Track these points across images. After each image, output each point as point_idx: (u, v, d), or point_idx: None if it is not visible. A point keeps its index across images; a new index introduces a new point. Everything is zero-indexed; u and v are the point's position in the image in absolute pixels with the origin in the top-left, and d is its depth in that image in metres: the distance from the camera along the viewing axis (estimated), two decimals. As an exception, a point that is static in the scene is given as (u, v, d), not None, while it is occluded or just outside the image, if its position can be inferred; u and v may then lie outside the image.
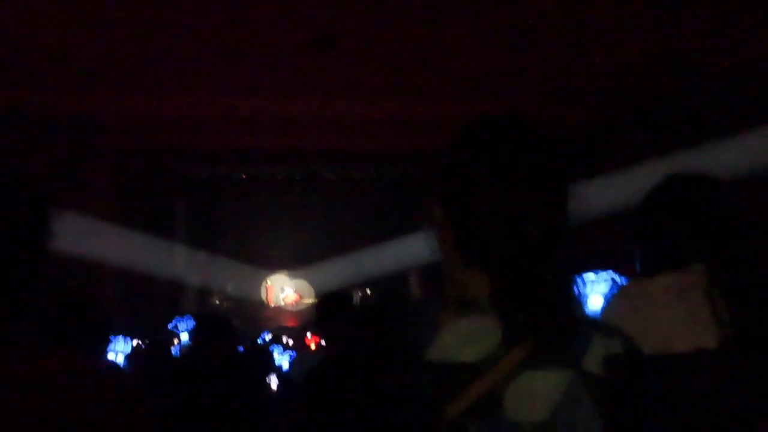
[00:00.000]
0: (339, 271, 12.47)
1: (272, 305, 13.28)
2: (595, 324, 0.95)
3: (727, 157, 5.00)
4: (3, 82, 6.75)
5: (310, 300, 12.55)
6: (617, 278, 4.35)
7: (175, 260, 12.09)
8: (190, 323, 6.51)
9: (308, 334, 7.09)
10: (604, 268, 4.45)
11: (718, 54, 5.81)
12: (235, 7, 5.12)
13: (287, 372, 5.18)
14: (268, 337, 8.35)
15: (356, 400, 0.95)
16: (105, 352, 2.20)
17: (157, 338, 5.89)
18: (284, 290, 13.34)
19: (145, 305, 9.86)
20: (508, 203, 0.90)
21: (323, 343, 3.82)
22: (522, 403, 0.85)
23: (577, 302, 0.98)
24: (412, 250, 10.45)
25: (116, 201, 10.03)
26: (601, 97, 7.31)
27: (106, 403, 0.92)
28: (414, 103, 7.85)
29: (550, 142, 0.95)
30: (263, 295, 13.38)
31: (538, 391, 0.86)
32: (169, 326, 7.08)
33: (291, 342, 7.38)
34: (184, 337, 6.53)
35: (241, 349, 5.34)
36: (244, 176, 13.26)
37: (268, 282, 13.44)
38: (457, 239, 0.95)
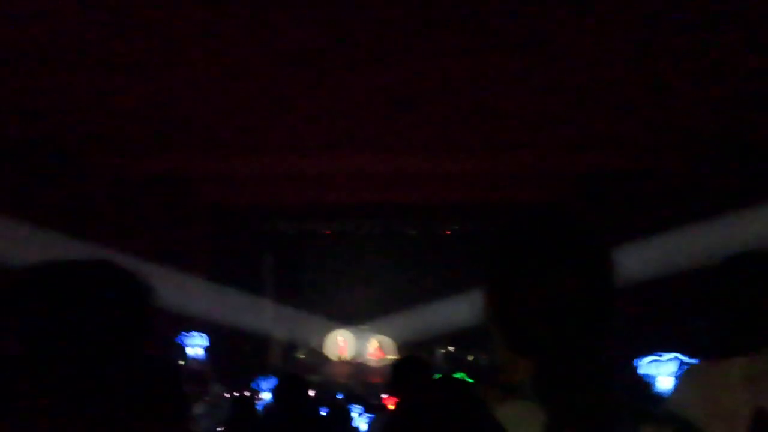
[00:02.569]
0: (421, 326, 12.38)
1: (354, 361, 13.29)
2: (646, 410, 0.95)
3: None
4: (105, 147, 7.28)
5: (391, 356, 12.50)
6: (685, 359, 4.15)
7: (261, 316, 12.37)
8: (273, 382, 6.63)
9: (384, 395, 7.07)
10: (671, 349, 4.26)
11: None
12: (321, 72, 5.38)
13: (366, 433, 5.18)
14: (348, 394, 8.37)
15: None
16: (184, 419, 2.30)
17: (243, 394, 6.03)
18: (367, 346, 13.35)
19: (232, 361, 10.09)
20: (551, 295, 0.93)
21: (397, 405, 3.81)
22: None
23: (631, 387, 0.99)
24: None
25: (205, 256, 10.46)
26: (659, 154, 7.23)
27: None
28: (493, 158, 7.91)
29: (594, 237, 0.98)
30: (345, 351, 13.43)
31: None
32: (252, 384, 7.22)
33: (370, 401, 7.36)
34: (266, 395, 6.65)
35: (322, 409, 5.39)
36: (328, 232, 13.56)
37: (350, 337, 13.51)
38: (503, 324, 0.98)
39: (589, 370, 0.93)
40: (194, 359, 8.66)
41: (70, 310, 1.02)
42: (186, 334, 8.81)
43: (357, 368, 12.97)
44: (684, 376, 1.48)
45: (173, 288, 7.73)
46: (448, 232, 13.12)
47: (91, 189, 7.75)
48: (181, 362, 8.13)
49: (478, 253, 12.09)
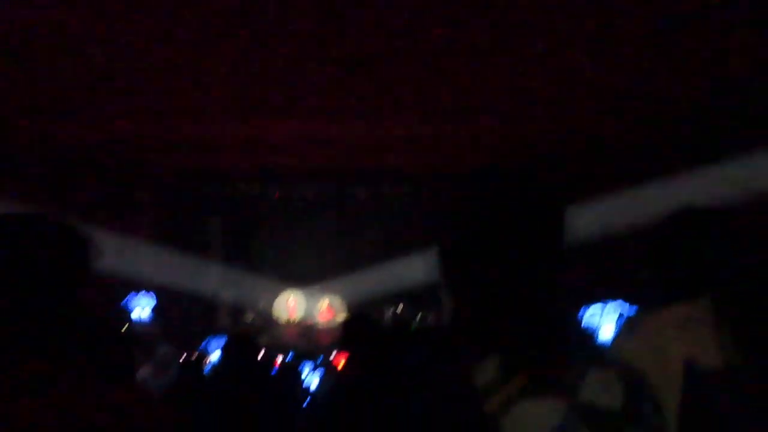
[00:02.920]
0: (371, 287, 12.52)
1: (304, 322, 13.35)
2: (592, 356, 0.99)
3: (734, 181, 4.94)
4: (45, 109, 7.03)
5: (341, 316, 12.60)
6: (627, 309, 4.36)
7: (209, 278, 12.29)
8: (221, 342, 6.62)
9: (333, 354, 7.15)
10: (615, 299, 4.47)
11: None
12: (268, 33, 5.27)
13: (315, 391, 5.24)
14: (298, 354, 8.42)
15: (368, 418, 1.00)
16: (131, 378, 2.28)
17: (190, 357, 6.00)
18: (317, 307, 13.42)
19: (180, 322, 10.03)
20: (504, 250, 0.95)
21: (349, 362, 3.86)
22: (519, 431, 0.90)
23: (578, 335, 1.02)
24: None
25: (152, 218, 10.29)
26: (611, 116, 7.39)
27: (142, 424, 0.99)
28: (444, 123, 7.94)
29: (545, 195, 1.00)
30: (295, 312, 13.48)
31: (534, 419, 0.90)
32: (201, 345, 7.20)
33: (320, 360, 7.44)
34: (215, 356, 6.64)
35: (274, 369, 5.42)
36: (277, 195, 13.46)
37: (300, 298, 13.54)
38: (457, 278, 1.00)
39: (539, 320, 0.96)
40: (141, 321, 8.57)
41: (6, 262, 0.99)
42: (133, 295, 8.69)
43: (307, 329, 13.04)
44: (624, 325, 1.54)
45: (120, 250, 7.60)
46: (397, 196, 13.19)
47: (38, 153, 7.50)
48: (128, 324, 8.03)
49: (426, 215, 12.24)
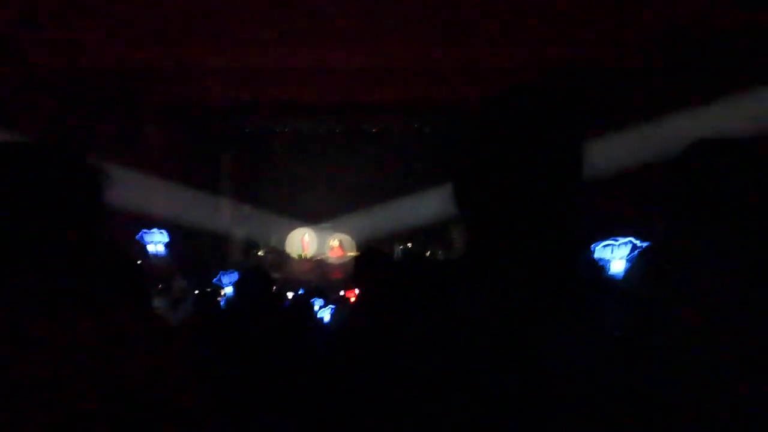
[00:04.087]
0: (381, 223, 12.57)
1: (312, 258, 13.48)
2: (604, 286, 1.00)
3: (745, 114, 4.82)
4: (54, 38, 6.93)
5: (351, 253, 12.72)
6: (638, 243, 4.36)
7: (219, 213, 12.37)
8: (233, 277, 6.74)
9: (344, 290, 7.25)
10: (625, 234, 4.47)
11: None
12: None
13: (327, 324, 5.35)
14: (310, 289, 8.53)
15: (380, 352, 1.01)
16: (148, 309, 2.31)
17: (205, 291, 6.11)
18: (328, 244, 13.52)
19: (192, 258, 10.16)
20: (518, 172, 0.94)
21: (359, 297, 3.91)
22: (525, 355, 0.91)
23: (590, 266, 1.02)
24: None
25: (162, 154, 10.28)
26: (625, 49, 7.21)
27: (155, 352, 1.01)
28: (452, 54, 7.79)
29: (567, 114, 0.97)
30: (307, 248, 13.59)
31: (539, 345, 0.91)
32: (214, 280, 7.32)
33: (331, 295, 7.54)
34: (228, 290, 6.76)
35: (286, 303, 5.51)
36: (286, 130, 13.38)
37: (312, 235, 13.63)
38: (470, 203, 0.99)
39: (553, 250, 0.96)
40: (155, 255, 8.69)
41: (23, 189, 1.00)
42: (146, 231, 8.78)
43: (318, 265, 13.18)
44: (637, 257, 1.54)
45: (132, 186, 7.63)
46: (408, 130, 13.09)
47: (46, 85, 7.43)
48: (143, 257, 8.15)
49: (436, 150, 12.17)
